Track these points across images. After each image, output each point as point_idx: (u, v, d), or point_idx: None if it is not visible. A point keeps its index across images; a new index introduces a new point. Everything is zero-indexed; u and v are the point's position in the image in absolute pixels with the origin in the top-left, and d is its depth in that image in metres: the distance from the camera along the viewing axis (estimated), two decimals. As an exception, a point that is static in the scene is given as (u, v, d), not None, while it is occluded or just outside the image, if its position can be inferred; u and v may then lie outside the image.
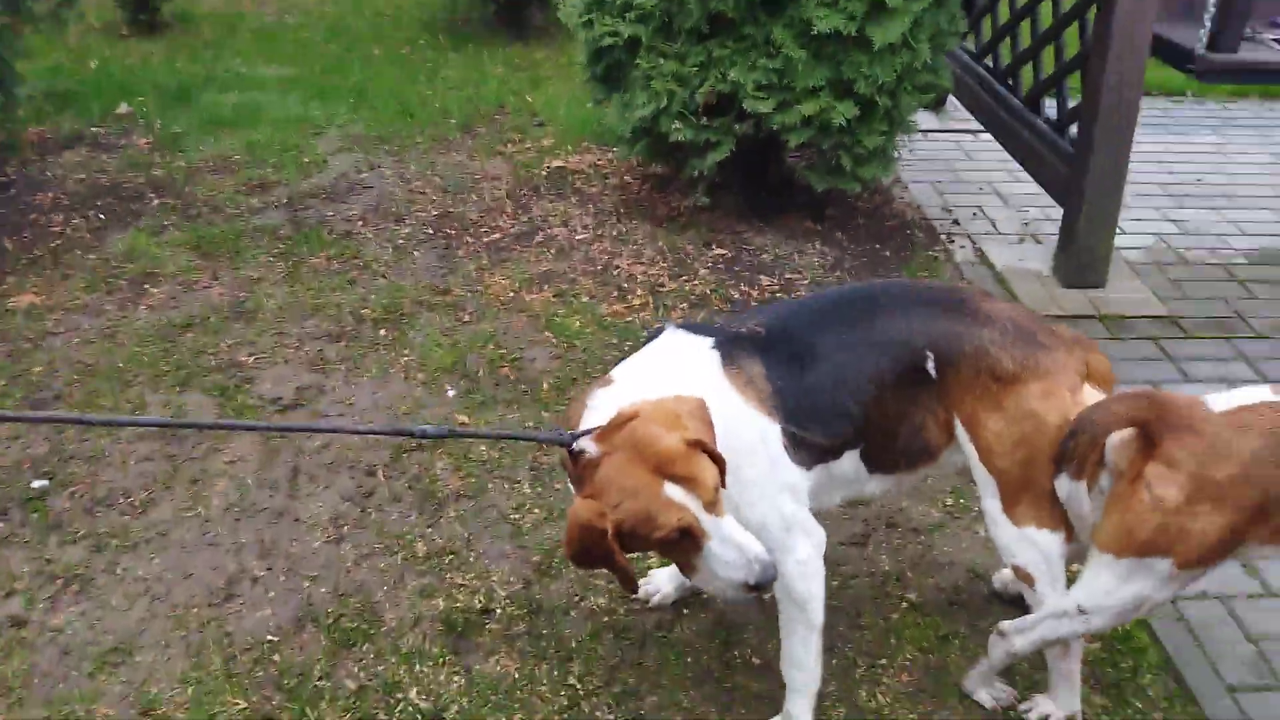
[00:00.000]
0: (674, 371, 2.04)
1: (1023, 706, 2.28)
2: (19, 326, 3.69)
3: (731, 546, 1.80)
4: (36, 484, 2.93)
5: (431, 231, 4.54)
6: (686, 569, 1.88)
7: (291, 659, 2.43)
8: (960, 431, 2.14)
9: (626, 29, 4.28)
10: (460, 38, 7.42)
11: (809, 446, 2.10)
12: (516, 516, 2.88)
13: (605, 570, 1.94)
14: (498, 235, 4.52)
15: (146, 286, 4.01)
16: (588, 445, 1.85)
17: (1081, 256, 4.12)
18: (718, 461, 1.85)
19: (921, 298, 2.21)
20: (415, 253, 4.35)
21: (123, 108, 5.74)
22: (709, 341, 2.11)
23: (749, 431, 2.04)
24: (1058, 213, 4.36)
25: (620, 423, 1.83)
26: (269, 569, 2.70)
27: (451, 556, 2.74)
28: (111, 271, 4.08)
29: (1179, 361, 3.65)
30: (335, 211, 4.70)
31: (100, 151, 5.21)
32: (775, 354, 2.10)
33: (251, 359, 3.58)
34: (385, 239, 4.46)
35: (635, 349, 3.55)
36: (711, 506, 1.81)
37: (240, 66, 6.66)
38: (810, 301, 2.30)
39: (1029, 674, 2.39)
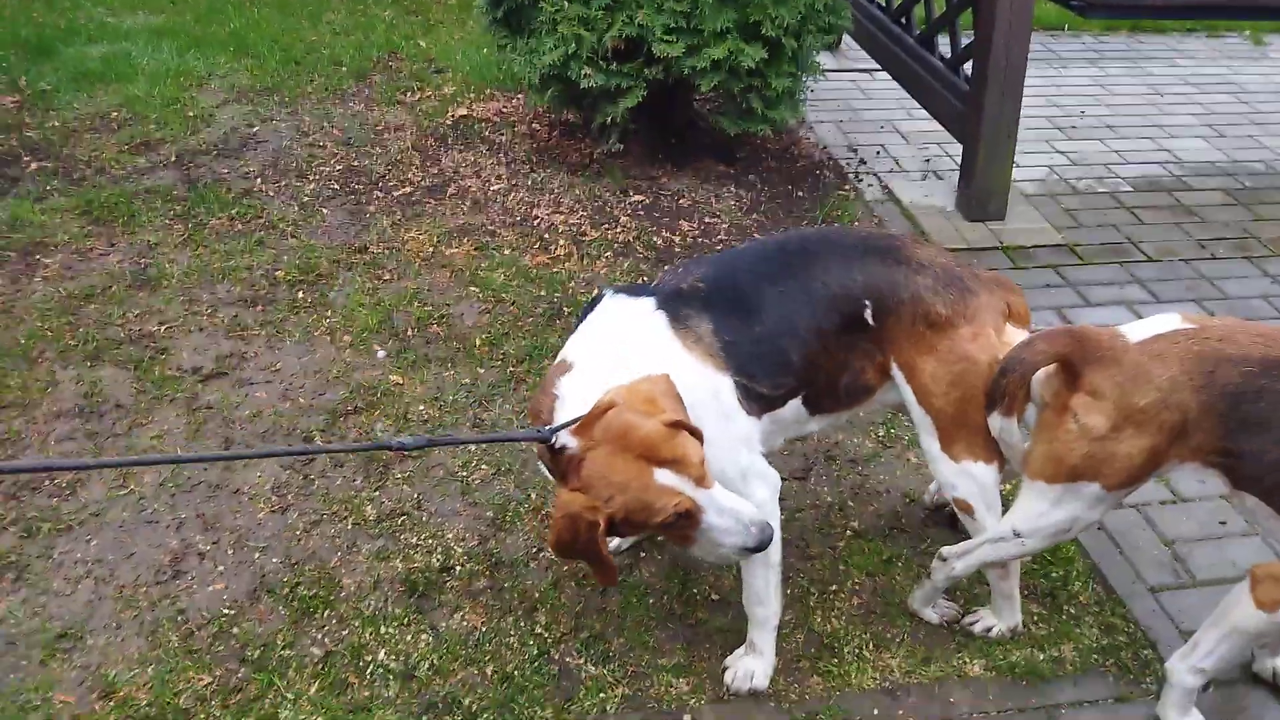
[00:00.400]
0: (625, 341, 2.04)
1: (967, 620, 2.45)
2: (-102, 306, 3.42)
3: (728, 515, 1.83)
4: (-55, 473, 2.76)
5: (338, 187, 4.39)
6: (683, 543, 1.90)
7: (252, 631, 2.39)
8: (897, 374, 2.23)
9: (528, -30, 4.18)
10: (342, -21, 7.08)
11: (756, 397, 2.16)
12: (464, 474, 2.88)
13: (584, 560, 1.94)
14: (408, 189, 4.41)
15: (38, 257, 3.76)
16: (568, 440, 1.83)
17: (981, 191, 4.31)
18: (695, 435, 1.87)
19: (857, 246, 2.25)
20: (324, 210, 4.20)
21: (-22, 62, 5.29)
22: (651, 303, 2.10)
23: (703, 389, 2.06)
24: (956, 149, 4.53)
25: (598, 414, 1.82)
26: (215, 543, 2.62)
27: (403, 518, 2.73)
28: (-6, 243, 3.81)
29: (1078, 287, 3.89)
30: (230, 169, 4.48)
31: (-41, 111, 4.81)
32: (720, 308, 2.11)
33: (163, 328, 3.42)
34: (289, 196, 4.28)
35: (565, 302, 3.60)
36: (701, 481, 1.82)
37: (105, 15, 6.21)
38: (748, 253, 2.29)
39: (968, 588, 2.56)
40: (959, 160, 4.43)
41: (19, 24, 5.90)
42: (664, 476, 1.79)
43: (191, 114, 4.93)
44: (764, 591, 2.23)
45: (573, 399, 1.91)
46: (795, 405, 2.24)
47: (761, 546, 1.86)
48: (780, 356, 2.14)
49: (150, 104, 4.98)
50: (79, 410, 3.03)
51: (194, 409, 3.05)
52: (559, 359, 2.07)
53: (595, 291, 3.66)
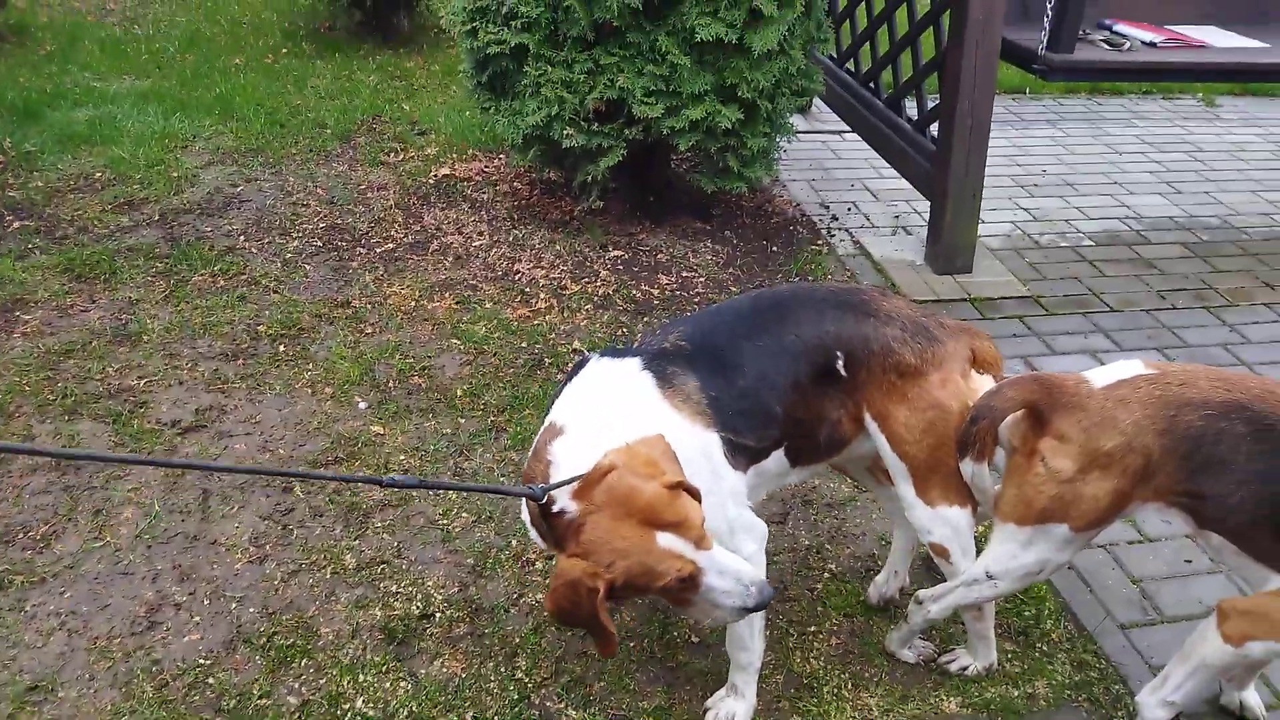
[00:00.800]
0: (613, 402, 2.04)
1: (943, 659, 2.47)
2: (-125, 361, 3.41)
3: (728, 576, 1.81)
4: (-82, 526, 2.74)
5: (321, 244, 4.45)
6: (680, 605, 1.87)
7: (228, 681, 2.37)
8: (870, 424, 2.27)
9: (513, 37, 4.32)
10: (326, 46, 7.26)
11: (742, 450, 2.17)
12: (445, 522, 2.89)
13: (584, 630, 1.90)
14: (391, 245, 4.48)
15: (17, 314, 3.77)
16: (567, 504, 1.81)
17: (949, 246, 4.44)
18: (694, 495, 1.85)
19: (827, 300, 2.29)
20: (306, 266, 4.26)
21: (-36, 125, 5.36)
22: (637, 363, 2.11)
23: (693, 446, 2.05)
24: (924, 205, 4.67)
25: (598, 477, 1.80)
26: (191, 594, 2.61)
27: (383, 566, 2.73)
28: (-28, 299, 3.83)
29: (1044, 337, 3.99)
30: (213, 227, 4.54)
31: (-56, 172, 4.85)
32: (703, 365, 2.14)
33: (143, 382, 3.43)
34: (272, 253, 4.34)
35: (546, 353, 3.65)
36: (700, 542, 1.80)
37: (90, 80, 6.31)
38: (724, 310, 2.32)
39: (944, 627, 2.58)
40: (927, 217, 4.56)
41: (5, 88, 5.99)
42: (666, 540, 1.77)
43: (176, 174, 5.00)
44: (748, 638, 2.24)
45: (567, 463, 1.89)
46: (778, 456, 2.26)
47: (761, 606, 1.84)
48: (763, 409, 2.17)
49: (134, 165, 5.05)
50: (55, 464, 3.02)
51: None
52: (548, 423, 2.04)
53: (575, 348, 3.73)
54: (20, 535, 2.75)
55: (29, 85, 6.13)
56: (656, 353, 2.14)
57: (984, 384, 2.25)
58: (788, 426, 2.22)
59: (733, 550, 2.08)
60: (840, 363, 2.22)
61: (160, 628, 2.50)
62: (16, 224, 4.45)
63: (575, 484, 1.82)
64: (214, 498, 2.94)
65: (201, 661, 2.41)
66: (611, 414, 2.00)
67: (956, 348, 2.26)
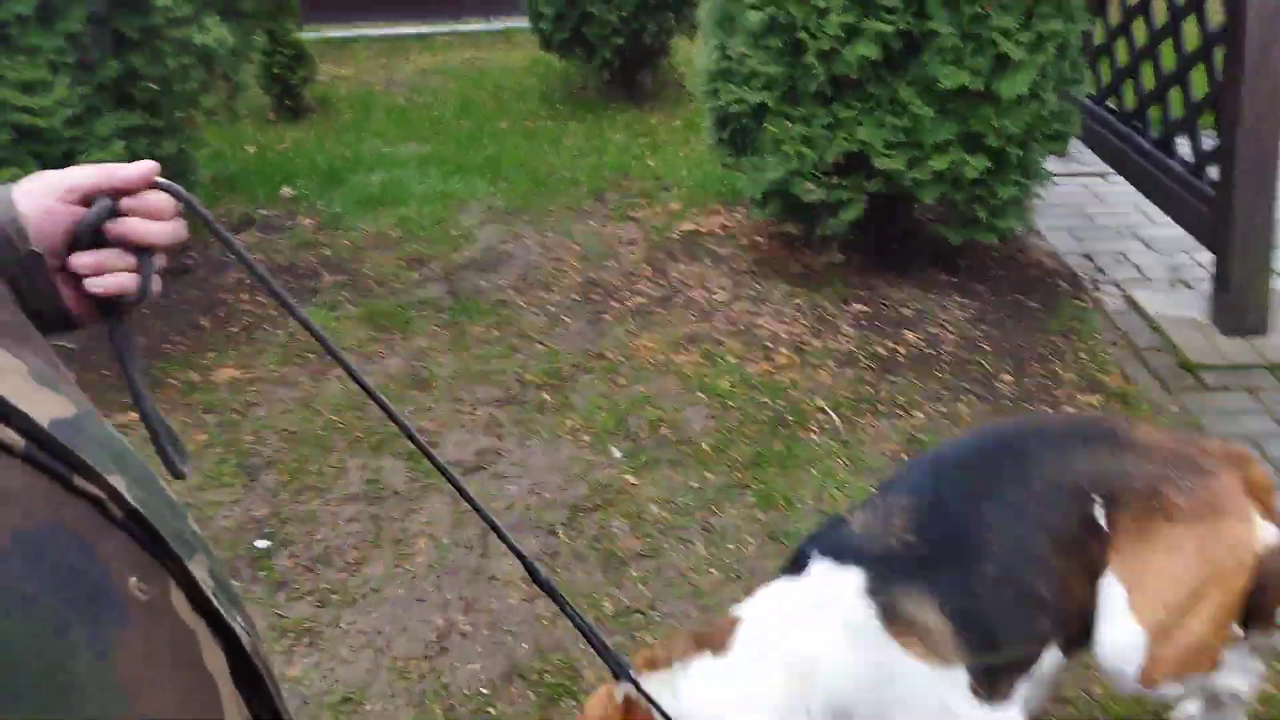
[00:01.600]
0: (810, 640, 1.82)
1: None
2: (225, 399, 4.07)
3: None
4: (260, 544, 3.24)
5: (578, 298, 4.80)
6: None
7: (505, 712, 2.63)
8: (1111, 582, 1.86)
9: (753, 96, 4.48)
10: (578, 107, 7.79)
11: (1006, 669, 1.81)
12: (695, 577, 3.04)
13: None
14: (641, 299, 4.75)
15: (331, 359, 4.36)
16: (628, 691, 1.80)
17: (1238, 302, 4.08)
18: None
19: (1070, 433, 2.02)
20: (566, 318, 4.61)
21: (286, 191, 6.24)
22: (859, 581, 1.79)
23: (928, 697, 1.78)
24: (1204, 255, 4.34)
25: None
26: (473, 624, 2.92)
27: (638, 615, 2.92)
28: (299, 346, 4.45)
29: (1353, 408, 3.59)
30: (488, 282, 5.01)
31: (271, 233, 5.68)
32: (939, 563, 1.81)
33: (433, 424, 3.86)
34: (537, 306, 4.73)
35: (788, 411, 3.73)
36: None
37: (382, 146, 7.14)
38: (945, 465, 1.99)
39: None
40: (1210, 269, 4.23)
41: (315, 155, 6.92)
42: None
43: (455, 233, 5.57)
44: None
45: (695, 689, 1.82)
46: (1053, 653, 1.87)
47: None
48: (1026, 594, 1.81)
49: (420, 224, 5.68)
50: (364, 495, 3.48)
51: (457, 499, 3.42)
52: (734, 614, 1.94)
53: (819, 405, 3.79)
54: (337, 558, 3.19)
55: (333, 152, 7.04)
56: (882, 558, 1.81)
57: (1258, 521, 1.92)
58: (1059, 608, 1.83)
59: None
60: (1099, 508, 1.84)
61: (449, 653, 2.82)
62: (329, 279, 5.13)
63: (651, 706, 1.71)
64: (492, 535, 3.26)
65: (483, 691, 2.69)
66: (793, 657, 1.80)
67: (1231, 482, 1.89)
